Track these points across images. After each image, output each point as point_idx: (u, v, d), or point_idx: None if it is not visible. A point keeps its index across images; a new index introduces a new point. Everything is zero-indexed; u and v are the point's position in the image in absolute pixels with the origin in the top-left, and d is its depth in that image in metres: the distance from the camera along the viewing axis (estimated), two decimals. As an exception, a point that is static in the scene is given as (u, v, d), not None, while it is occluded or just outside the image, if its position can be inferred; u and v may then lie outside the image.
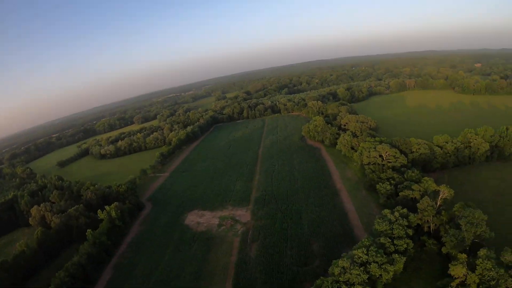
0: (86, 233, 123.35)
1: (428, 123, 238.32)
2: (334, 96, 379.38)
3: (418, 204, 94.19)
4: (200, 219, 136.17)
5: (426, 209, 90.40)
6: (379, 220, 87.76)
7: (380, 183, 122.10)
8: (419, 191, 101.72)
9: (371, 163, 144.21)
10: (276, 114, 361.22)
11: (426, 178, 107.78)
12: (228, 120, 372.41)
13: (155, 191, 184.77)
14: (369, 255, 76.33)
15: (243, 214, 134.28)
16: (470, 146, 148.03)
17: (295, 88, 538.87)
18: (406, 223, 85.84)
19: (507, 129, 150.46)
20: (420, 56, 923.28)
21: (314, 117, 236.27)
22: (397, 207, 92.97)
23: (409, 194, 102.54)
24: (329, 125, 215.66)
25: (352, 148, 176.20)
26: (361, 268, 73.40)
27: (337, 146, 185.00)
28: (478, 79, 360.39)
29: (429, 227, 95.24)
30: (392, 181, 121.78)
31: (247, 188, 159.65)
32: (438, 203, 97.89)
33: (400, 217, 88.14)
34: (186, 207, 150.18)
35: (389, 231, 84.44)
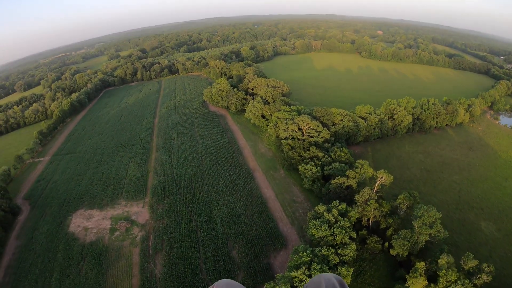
0: None
1: (340, 89, 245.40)
2: (238, 55, 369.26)
3: (356, 196, 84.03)
4: (87, 223, 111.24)
5: (368, 202, 77.02)
6: (315, 223, 71.56)
7: (303, 164, 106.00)
8: (355, 177, 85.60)
9: (289, 138, 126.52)
10: (174, 75, 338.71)
11: (360, 161, 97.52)
12: (121, 83, 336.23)
13: (33, 184, 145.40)
14: (312, 275, 61.20)
15: (140, 211, 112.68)
16: (393, 118, 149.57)
17: (195, 45, 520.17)
18: (348, 224, 70.51)
19: (428, 101, 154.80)
20: (322, 19, 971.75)
21: (217, 79, 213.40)
22: (333, 202, 79.30)
23: (344, 182, 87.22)
24: (235, 89, 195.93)
25: (263, 116, 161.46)
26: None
27: (245, 114, 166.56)
28: (383, 45, 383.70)
29: (368, 219, 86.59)
30: (317, 161, 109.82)
31: (142, 172, 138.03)
32: (375, 189, 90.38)
33: (339, 216, 71.64)
34: (70, 206, 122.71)
35: (330, 237, 69.80)
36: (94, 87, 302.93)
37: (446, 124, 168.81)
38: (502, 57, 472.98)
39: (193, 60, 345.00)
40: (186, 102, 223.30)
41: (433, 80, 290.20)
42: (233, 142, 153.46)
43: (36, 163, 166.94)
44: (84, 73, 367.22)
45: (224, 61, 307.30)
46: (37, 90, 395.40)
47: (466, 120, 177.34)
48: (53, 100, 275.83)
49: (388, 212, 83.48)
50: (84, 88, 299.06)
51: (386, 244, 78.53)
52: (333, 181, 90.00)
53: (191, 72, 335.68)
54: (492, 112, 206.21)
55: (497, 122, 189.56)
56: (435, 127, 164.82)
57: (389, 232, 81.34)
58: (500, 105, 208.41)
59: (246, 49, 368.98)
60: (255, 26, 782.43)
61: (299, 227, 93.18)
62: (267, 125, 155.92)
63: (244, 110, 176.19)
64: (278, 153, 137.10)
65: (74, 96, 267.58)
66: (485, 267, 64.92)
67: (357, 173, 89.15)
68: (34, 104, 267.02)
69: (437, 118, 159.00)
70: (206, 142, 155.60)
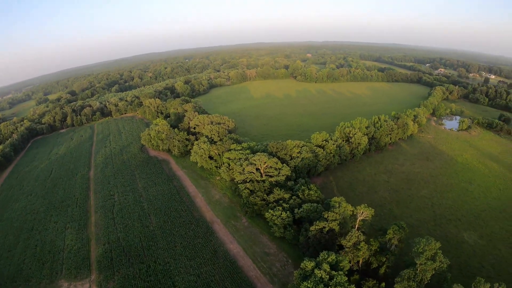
0: None
1: (283, 115, 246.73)
2: (173, 91, 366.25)
3: (343, 241, 78.44)
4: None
5: (359, 246, 71.89)
6: (308, 285, 63.82)
7: (270, 211, 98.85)
8: (335, 219, 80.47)
9: (247, 180, 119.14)
10: (107, 118, 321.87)
11: (336, 199, 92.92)
12: (49, 130, 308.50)
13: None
14: None
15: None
16: (350, 141, 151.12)
17: (127, 84, 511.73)
18: (345, 278, 64.30)
19: (379, 119, 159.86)
20: (253, 47, 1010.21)
21: (155, 120, 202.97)
22: (321, 255, 72.87)
23: (324, 227, 79.90)
24: (176, 129, 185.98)
25: (211, 158, 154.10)
26: None
27: (191, 157, 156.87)
28: (317, 68, 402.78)
29: (357, 262, 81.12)
30: (284, 205, 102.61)
31: (82, 241, 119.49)
32: (356, 226, 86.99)
33: (332, 271, 66.21)
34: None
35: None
36: (20, 138, 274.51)
37: (399, 138, 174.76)
38: (427, 64, 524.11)
39: (126, 100, 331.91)
40: (123, 148, 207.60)
41: (371, 95, 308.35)
42: (182, 191, 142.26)
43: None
44: (9, 122, 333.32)
45: (159, 98, 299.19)
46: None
47: (416, 131, 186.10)
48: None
49: (378, 249, 79.14)
50: (10, 139, 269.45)
51: (383, 284, 73.29)
52: (312, 228, 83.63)
53: (125, 113, 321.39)
54: (435, 118, 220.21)
55: (443, 128, 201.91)
56: (389, 143, 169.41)
57: (382, 270, 76.86)
58: (442, 111, 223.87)
59: (180, 84, 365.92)
60: (186, 60, 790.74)
61: (281, 286, 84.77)
62: (217, 167, 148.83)
63: (188, 152, 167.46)
64: (235, 199, 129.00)
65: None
66: (497, 287, 62.76)
67: (336, 213, 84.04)
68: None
69: (390, 134, 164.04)
70: (152, 195, 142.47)
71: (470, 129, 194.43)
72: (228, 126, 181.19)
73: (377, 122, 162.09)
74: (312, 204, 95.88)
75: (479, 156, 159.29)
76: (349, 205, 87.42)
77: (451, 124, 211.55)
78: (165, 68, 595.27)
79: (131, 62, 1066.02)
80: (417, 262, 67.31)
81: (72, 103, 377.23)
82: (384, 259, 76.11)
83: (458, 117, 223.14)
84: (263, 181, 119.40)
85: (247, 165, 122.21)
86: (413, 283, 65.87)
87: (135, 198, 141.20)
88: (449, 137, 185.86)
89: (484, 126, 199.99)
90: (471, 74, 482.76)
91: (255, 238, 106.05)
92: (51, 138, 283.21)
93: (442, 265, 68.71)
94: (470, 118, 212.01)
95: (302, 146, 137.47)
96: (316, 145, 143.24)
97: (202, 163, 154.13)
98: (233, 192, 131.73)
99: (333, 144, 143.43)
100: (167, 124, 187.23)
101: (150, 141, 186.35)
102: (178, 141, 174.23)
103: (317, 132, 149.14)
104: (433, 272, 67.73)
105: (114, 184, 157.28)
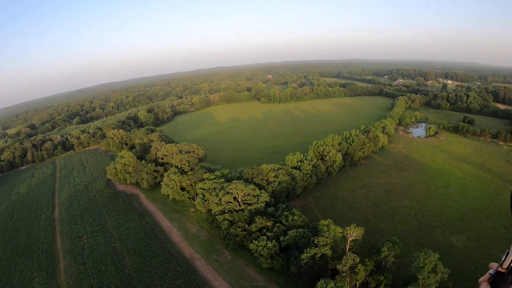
0: None
1: (252, 139, 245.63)
2: (136, 120, 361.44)
3: (339, 266, 76.39)
4: None
5: (356, 270, 70.87)
6: None
7: (254, 242, 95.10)
8: (327, 244, 78.15)
9: (226, 211, 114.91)
10: (70, 152, 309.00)
11: (323, 222, 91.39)
12: (9, 168, 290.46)
13: None
14: None
15: None
16: (325, 159, 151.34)
17: (88, 115, 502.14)
18: None
19: (351, 134, 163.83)
20: (213, 72, 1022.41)
21: (120, 152, 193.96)
22: (319, 284, 70.51)
23: (316, 253, 77.33)
24: (143, 161, 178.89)
25: (183, 189, 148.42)
26: None
27: (162, 190, 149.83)
28: (279, 88, 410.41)
29: (355, 284, 78.19)
30: (268, 233, 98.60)
31: None
32: (347, 248, 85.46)
33: None
34: None
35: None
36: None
37: (371, 151, 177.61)
38: (386, 76, 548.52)
39: (89, 132, 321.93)
40: (88, 184, 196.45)
41: (336, 111, 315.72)
42: (156, 227, 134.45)
43: None
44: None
45: (122, 129, 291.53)
46: None
47: (386, 142, 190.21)
48: None
49: (374, 268, 77.64)
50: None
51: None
52: (303, 256, 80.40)
53: (88, 146, 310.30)
54: (402, 128, 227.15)
55: (411, 136, 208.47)
56: (363, 157, 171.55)
57: None
58: (408, 120, 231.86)
59: (143, 113, 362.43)
60: (147, 88, 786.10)
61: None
62: (190, 198, 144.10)
63: (158, 185, 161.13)
64: (213, 231, 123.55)
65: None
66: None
67: (326, 237, 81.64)
68: None
69: (363, 148, 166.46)
70: (124, 234, 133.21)
71: (438, 134, 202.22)
72: (198, 154, 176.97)
73: (349, 138, 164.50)
74: (298, 230, 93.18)
75: (450, 160, 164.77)
76: (338, 226, 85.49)
77: (418, 131, 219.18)
78: (127, 97, 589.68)
79: (92, 92, 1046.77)
80: (419, 277, 66.53)
81: (32, 138, 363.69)
82: (382, 277, 74.50)
83: (424, 124, 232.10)
84: (242, 210, 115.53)
85: (223, 195, 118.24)
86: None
87: (105, 238, 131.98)
88: (419, 144, 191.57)
89: (450, 130, 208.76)
90: (429, 82, 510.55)
91: (241, 272, 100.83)
92: (11, 177, 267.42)
93: (444, 275, 68.65)
94: (436, 124, 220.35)
95: (278, 170, 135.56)
96: (292, 167, 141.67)
97: (174, 195, 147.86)
98: (210, 224, 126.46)
99: (309, 164, 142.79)
100: (133, 156, 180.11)
101: (117, 175, 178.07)
102: (147, 173, 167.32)
103: (291, 154, 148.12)
104: (437, 285, 67.22)
105: (82, 225, 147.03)
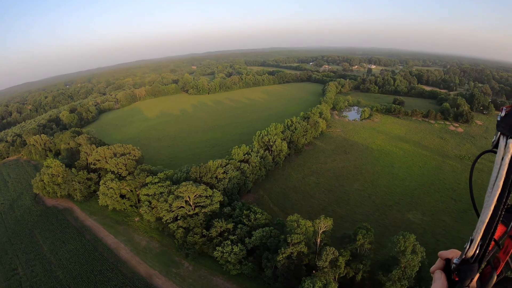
0: None
1: (186, 133, 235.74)
2: (58, 123, 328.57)
3: (320, 263, 73.27)
4: None
5: (338, 263, 70.05)
6: None
7: (219, 248, 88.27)
8: (300, 241, 74.54)
9: (179, 217, 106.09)
10: None
11: (291, 217, 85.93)
12: None
13: None
14: None
15: None
16: (271, 149, 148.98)
17: (5, 121, 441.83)
18: None
19: (292, 121, 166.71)
20: (135, 66, 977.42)
21: (46, 161, 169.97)
22: (305, 284, 66.08)
23: (293, 252, 73.36)
24: (73, 169, 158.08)
25: (123, 196, 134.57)
26: None
27: (99, 201, 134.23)
28: (207, 79, 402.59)
29: (334, 277, 76.39)
30: (231, 237, 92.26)
31: None
32: (318, 241, 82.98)
33: None
34: None
35: None
36: None
37: (313, 137, 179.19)
38: (311, 63, 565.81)
39: (7, 141, 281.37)
40: (14, 203, 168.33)
41: (269, 99, 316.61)
42: (100, 245, 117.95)
43: None
44: None
45: (44, 133, 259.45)
46: None
47: (325, 127, 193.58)
48: None
49: (350, 258, 76.17)
50: None
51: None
52: (279, 258, 75.48)
53: (8, 157, 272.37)
54: (337, 112, 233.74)
55: (347, 120, 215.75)
56: (306, 144, 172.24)
57: (359, 277, 75.26)
58: (341, 104, 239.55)
59: (66, 114, 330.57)
60: (67, 85, 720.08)
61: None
62: (132, 206, 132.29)
63: (93, 194, 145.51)
64: (165, 240, 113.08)
65: None
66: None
67: (299, 234, 77.57)
68: None
69: (305, 134, 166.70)
70: (64, 258, 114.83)
71: (372, 116, 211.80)
72: (135, 156, 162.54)
73: (291, 125, 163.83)
74: (264, 229, 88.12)
75: (389, 140, 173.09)
76: (308, 221, 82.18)
77: (353, 115, 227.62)
78: (45, 97, 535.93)
79: (6, 95, 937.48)
80: (403, 260, 66.90)
81: None
82: (361, 265, 73.60)
83: (356, 108, 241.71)
84: (196, 214, 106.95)
85: (173, 200, 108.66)
86: (405, 281, 65.71)
87: (44, 267, 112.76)
88: (356, 127, 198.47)
89: (383, 112, 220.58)
90: (354, 67, 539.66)
91: (208, 283, 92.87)
92: None
93: (423, 254, 70.09)
94: (369, 107, 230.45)
95: (226, 165, 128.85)
96: (239, 161, 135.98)
97: (113, 205, 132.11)
98: (161, 233, 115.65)
99: (256, 155, 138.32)
100: (61, 164, 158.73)
101: (45, 188, 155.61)
102: (79, 182, 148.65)
103: (237, 147, 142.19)
104: (420, 265, 68.59)
105: (14, 254, 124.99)
